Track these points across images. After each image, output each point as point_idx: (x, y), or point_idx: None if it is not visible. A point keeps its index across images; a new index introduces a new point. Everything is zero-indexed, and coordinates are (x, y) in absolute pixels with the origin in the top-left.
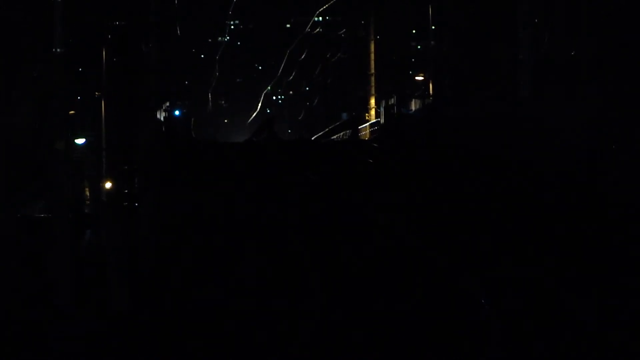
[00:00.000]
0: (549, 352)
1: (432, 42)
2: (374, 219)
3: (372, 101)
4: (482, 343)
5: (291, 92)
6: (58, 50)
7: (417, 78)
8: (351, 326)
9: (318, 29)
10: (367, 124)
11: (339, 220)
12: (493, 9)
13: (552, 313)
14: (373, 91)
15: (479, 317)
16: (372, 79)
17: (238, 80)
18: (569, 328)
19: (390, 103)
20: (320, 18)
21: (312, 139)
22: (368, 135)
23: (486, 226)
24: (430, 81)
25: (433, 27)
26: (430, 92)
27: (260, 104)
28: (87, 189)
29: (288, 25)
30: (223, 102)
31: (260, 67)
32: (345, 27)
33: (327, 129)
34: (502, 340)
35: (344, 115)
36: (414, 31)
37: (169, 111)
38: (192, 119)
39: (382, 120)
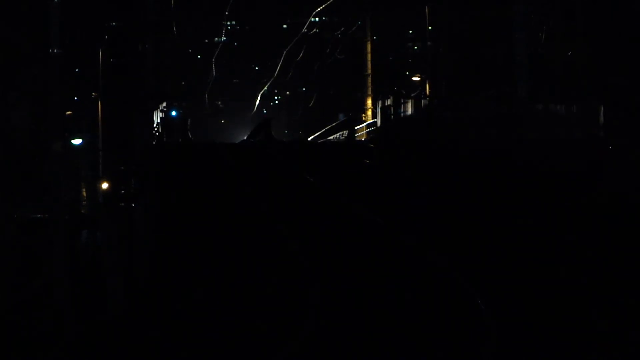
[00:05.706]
0: None
1: (429, 43)
2: (369, 218)
3: (369, 102)
4: None
5: (288, 93)
6: (55, 50)
7: (413, 79)
8: None
9: (315, 30)
10: (364, 124)
11: (336, 223)
12: (489, 10)
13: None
14: (369, 92)
15: None
16: (369, 79)
17: (235, 80)
18: None
19: (386, 104)
20: (317, 19)
21: (309, 139)
22: (365, 136)
23: (479, 224)
24: (427, 82)
25: (430, 28)
26: (427, 92)
27: (257, 105)
28: (83, 190)
29: (285, 26)
30: (220, 102)
31: (257, 68)
32: (342, 28)
33: (323, 130)
34: None
35: (341, 116)
36: (410, 32)
37: (166, 112)
38: (189, 120)
39: (379, 121)
